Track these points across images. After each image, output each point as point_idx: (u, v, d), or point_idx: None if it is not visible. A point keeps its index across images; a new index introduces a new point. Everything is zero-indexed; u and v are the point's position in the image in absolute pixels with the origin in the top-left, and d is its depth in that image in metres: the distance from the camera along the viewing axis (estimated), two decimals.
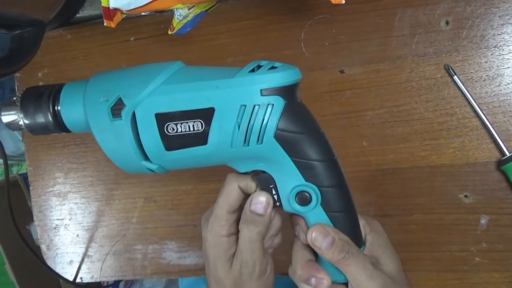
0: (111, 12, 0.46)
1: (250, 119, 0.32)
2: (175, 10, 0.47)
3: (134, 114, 0.33)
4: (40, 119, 0.36)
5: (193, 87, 0.33)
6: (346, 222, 0.35)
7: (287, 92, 0.32)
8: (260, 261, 0.36)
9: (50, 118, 0.36)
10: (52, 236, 0.63)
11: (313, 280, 0.34)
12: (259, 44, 0.53)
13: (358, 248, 0.34)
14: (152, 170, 0.36)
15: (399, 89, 0.49)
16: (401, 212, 0.50)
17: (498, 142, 0.46)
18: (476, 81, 0.47)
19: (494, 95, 0.47)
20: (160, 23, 0.56)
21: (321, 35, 0.51)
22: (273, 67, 0.33)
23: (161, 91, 0.33)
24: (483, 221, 0.48)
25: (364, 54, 0.50)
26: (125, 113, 0.33)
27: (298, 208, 0.34)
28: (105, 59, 0.58)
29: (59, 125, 0.36)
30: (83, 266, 0.62)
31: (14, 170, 1.14)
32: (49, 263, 0.63)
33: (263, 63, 0.33)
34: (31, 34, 0.51)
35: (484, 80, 0.47)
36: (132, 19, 0.56)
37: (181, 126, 0.33)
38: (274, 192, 0.35)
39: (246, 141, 0.33)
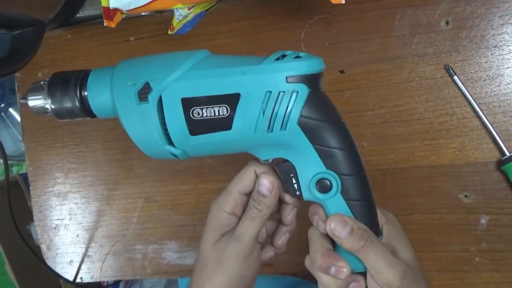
0: (111, 12, 0.46)
1: (274, 105, 0.33)
2: (175, 10, 0.47)
3: (160, 99, 0.34)
4: (67, 104, 0.37)
5: (219, 73, 0.33)
6: (365, 211, 0.35)
7: (312, 80, 0.33)
8: (250, 241, 0.36)
9: (77, 103, 0.36)
10: (52, 236, 0.63)
11: (333, 269, 0.34)
12: (259, 44, 0.53)
13: (376, 237, 0.35)
14: (175, 155, 0.36)
15: (399, 89, 0.49)
16: (401, 212, 0.50)
17: (498, 142, 0.46)
18: (476, 81, 0.47)
19: (494, 95, 0.47)
20: (160, 23, 0.56)
21: (321, 35, 0.51)
22: (298, 56, 0.33)
23: (188, 76, 0.34)
24: (483, 221, 0.48)
25: (364, 54, 0.50)
26: (152, 97, 0.34)
27: (318, 195, 0.34)
28: (105, 59, 0.58)
29: (85, 110, 0.37)
30: (83, 266, 0.62)
31: (14, 170, 1.14)
32: (49, 263, 0.63)
33: (288, 52, 0.34)
34: (31, 34, 0.51)
35: (484, 80, 0.47)
36: (132, 19, 0.56)
37: (206, 111, 0.33)
38: (294, 181, 0.36)
39: (270, 127, 0.33)
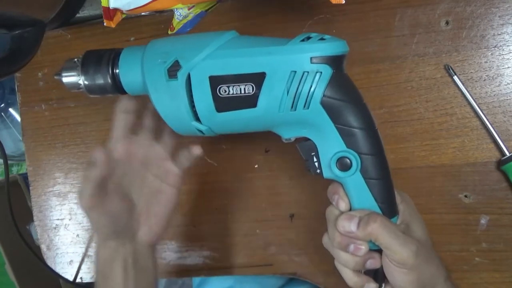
0: (111, 12, 0.46)
1: (299, 85, 0.34)
2: (175, 10, 0.47)
3: (189, 76, 0.35)
4: (100, 80, 0.38)
5: (246, 53, 0.35)
6: (383, 189, 0.36)
7: (335, 62, 0.34)
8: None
9: (109, 80, 0.38)
10: (52, 236, 0.63)
11: (351, 247, 0.36)
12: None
13: (387, 218, 0.36)
14: (201, 132, 0.37)
15: (399, 89, 0.49)
16: None
17: (498, 142, 0.46)
18: (476, 81, 0.47)
19: (494, 95, 0.47)
20: (160, 23, 0.56)
21: None
22: (322, 39, 0.35)
23: (216, 55, 0.35)
24: (483, 221, 0.48)
25: (364, 54, 0.50)
26: (181, 74, 0.35)
27: (338, 173, 0.36)
28: None
29: (116, 86, 0.39)
30: (83, 266, 0.62)
31: (14, 170, 1.14)
32: (49, 263, 0.63)
33: (313, 34, 0.35)
34: (31, 34, 0.51)
35: (484, 80, 0.47)
36: (132, 19, 0.56)
37: (233, 89, 0.35)
38: (315, 159, 0.37)
39: (294, 106, 0.34)
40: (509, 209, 0.47)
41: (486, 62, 0.47)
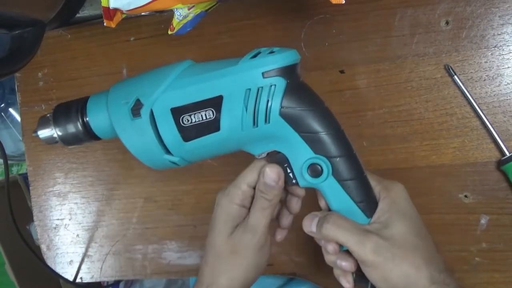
0: (111, 12, 0.46)
1: (256, 101, 0.34)
2: (175, 10, 0.47)
3: (152, 112, 0.36)
4: (72, 130, 0.40)
5: (201, 79, 0.35)
6: (359, 188, 0.36)
7: (288, 72, 0.35)
8: (263, 231, 0.38)
9: (81, 128, 0.40)
10: (52, 236, 0.63)
11: (322, 242, 0.38)
12: (259, 44, 0.53)
13: (343, 217, 0.36)
14: (175, 163, 0.38)
15: (399, 89, 0.49)
16: None
17: (498, 142, 0.46)
18: (476, 81, 0.47)
19: (494, 95, 0.47)
20: (160, 23, 0.56)
21: (321, 35, 0.51)
22: (271, 52, 0.35)
23: (173, 86, 0.36)
24: (483, 221, 0.48)
25: (364, 54, 0.50)
26: (144, 112, 0.36)
27: (311, 180, 0.36)
28: (105, 59, 0.58)
29: (88, 133, 0.40)
30: (83, 266, 0.62)
31: (14, 170, 1.14)
32: (49, 263, 0.63)
33: (262, 49, 0.35)
34: (31, 34, 0.51)
35: (484, 80, 0.47)
36: (132, 19, 0.56)
37: (194, 117, 0.35)
38: (289, 170, 0.37)
39: (255, 122, 0.35)
40: (509, 209, 0.47)
41: (486, 62, 0.47)
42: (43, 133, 0.41)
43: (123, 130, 0.37)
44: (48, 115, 0.41)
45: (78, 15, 0.59)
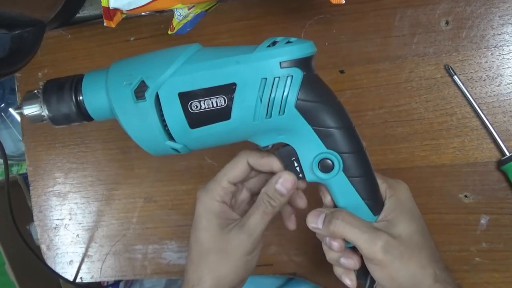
0: (111, 12, 0.46)
1: (271, 91, 0.33)
2: (175, 10, 0.47)
3: (157, 95, 0.34)
4: (63, 109, 0.37)
5: (214, 65, 0.34)
6: (368, 186, 0.36)
7: (305, 63, 0.34)
8: (260, 234, 0.37)
9: (73, 108, 0.37)
10: (52, 236, 0.63)
11: (327, 239, 0.36)
12: (259, 44, 0.53)
13: (352, 214, 0.35)
14: (176, 150, 0.36)
15: (399, 89, 0.49)
16: None
17: (498, 142, 0.46)
18: (476, 81, 0.47)
19: (494, 95, 0.47)
20: (160, 23, 0.56)
21: (321, 35, 0.51)
22: (289, 42, 0.34)
23: (183, 70, 0.34)
24: (483, 221, 0.48)
25: (364, 54, 0.50)
26: (149, 95, 0.34)
27: (321, 175, 0.35)
28: (105, 59, 0.58)
29: (82, 114, 0.37)
30: (83, 266, 0.62)
31: (14, 170, 1.13)
32: (49, 263, 0.63)
33: (278, 38, 0.34)
34: (31, 34, 0.51)
35: (484, 80, 0.47)
36: (132, 19, 0.56)
37: (204, 103, 0.34)
38: (296, 164, 0.36)
39: (268, 113, 0.34)
40: (509, 209, 0.47)
41: (486, 62, 0.47)
42: (30, 109, 0.37)
43: (123, 113, 0.35)
44: (36, 91, 0.37)
45: (78, 15, 0.59)
